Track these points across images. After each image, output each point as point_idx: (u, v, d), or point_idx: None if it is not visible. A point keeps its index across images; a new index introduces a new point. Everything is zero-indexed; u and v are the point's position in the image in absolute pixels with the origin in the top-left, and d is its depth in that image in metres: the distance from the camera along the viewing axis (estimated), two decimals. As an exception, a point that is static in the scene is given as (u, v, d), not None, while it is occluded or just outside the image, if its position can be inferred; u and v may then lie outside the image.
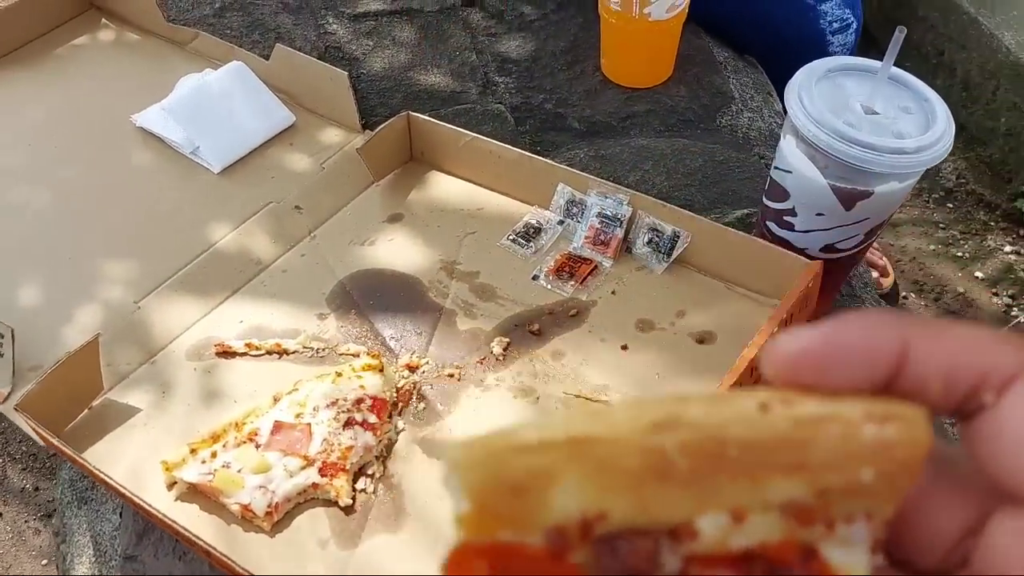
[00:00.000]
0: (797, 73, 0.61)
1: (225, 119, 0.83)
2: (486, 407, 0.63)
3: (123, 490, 0.55)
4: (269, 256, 0.74)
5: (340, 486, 0.57)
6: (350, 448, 0.58)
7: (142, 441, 0.62)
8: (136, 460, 0.60)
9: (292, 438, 0.59)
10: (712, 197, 0.80)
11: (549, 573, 0.19)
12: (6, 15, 0.95)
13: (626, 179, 0.81)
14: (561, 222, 0.75)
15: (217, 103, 0.84)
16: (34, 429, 0.59)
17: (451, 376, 0.65)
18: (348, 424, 0.60)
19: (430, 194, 0.79)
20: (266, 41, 0.96)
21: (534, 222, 0.75)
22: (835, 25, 0.93)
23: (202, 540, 0.52)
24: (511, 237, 0.74)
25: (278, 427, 0.59)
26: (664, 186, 0.80)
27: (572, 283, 0.70)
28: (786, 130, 0.63)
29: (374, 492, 0.58)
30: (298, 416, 0.60)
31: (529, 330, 0.67)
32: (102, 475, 0.56)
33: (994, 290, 1.59)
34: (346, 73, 0.82)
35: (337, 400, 0.61)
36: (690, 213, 0.70)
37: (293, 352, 0.67)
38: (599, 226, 0.72)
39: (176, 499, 0.58)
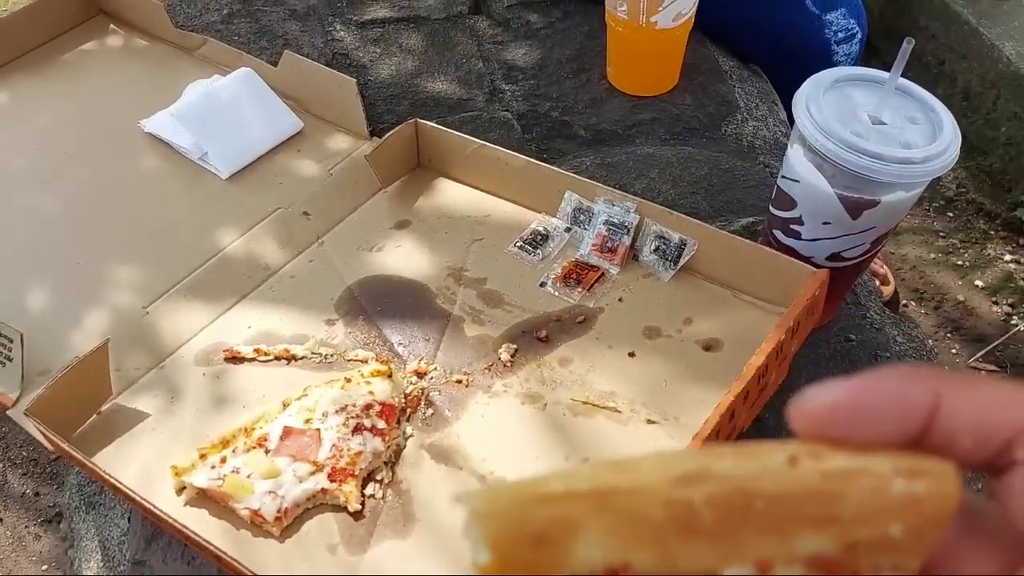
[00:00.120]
0: (805, 83, 0.62)
1: (233, 125, 0.83)
2: (494, 413, 0.63)
3: (132, 495, 0.55)
4: (277, 262, 0.75)
5: (349, 491, 0.57)
6: (359, 454, 0.59)
7: (151, 446, 0.62)
8: (145, 465, 0.60)
9: (301, 443, 0.59)
10: (718, 205, 0.80)
11: None
12: (14, 21, 0.95)
13: (632, 187, 0.81)
14: (568, 229, 0.75)
15: (225, 109, 0.84)
16: (43, 433, 0.59)
17: (459, 382, 0.65)
18: (357, 430, 0.60)
19: (438, 201, 0.80)
20: (274, 48, 0.96)
21: (541, 229, 0.76)
22: (840, 35, 0.94)
23: (212, 545, 0.52)
24: (518, 244, 0.75)
25: (287, 432, 0.60)
26: (670, 194, 0.81)
27: (579, 290, 0.71)
28: (793, 139, 0.63)
29: (383, 498, 0.59)
30: (307, 422, 0.60)
31: (537, 337, 0.68)
32: (112, 480, 0.56)
33: (994, 299, 1.60)
34: (354, 80, 0.82)
35: (346, 406, 0.61)
36: (697, 221, 0.70)
37: (301, 358, 0.67)
38: (606, 233, 0.72)
39: (185, 504, 0.58)
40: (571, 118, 0.90)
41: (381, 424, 0.61)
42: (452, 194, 0.80)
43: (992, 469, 0.20)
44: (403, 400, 0.64)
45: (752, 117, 0.91)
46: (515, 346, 0.67)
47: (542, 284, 0.72)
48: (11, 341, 0.64)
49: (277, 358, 0.67)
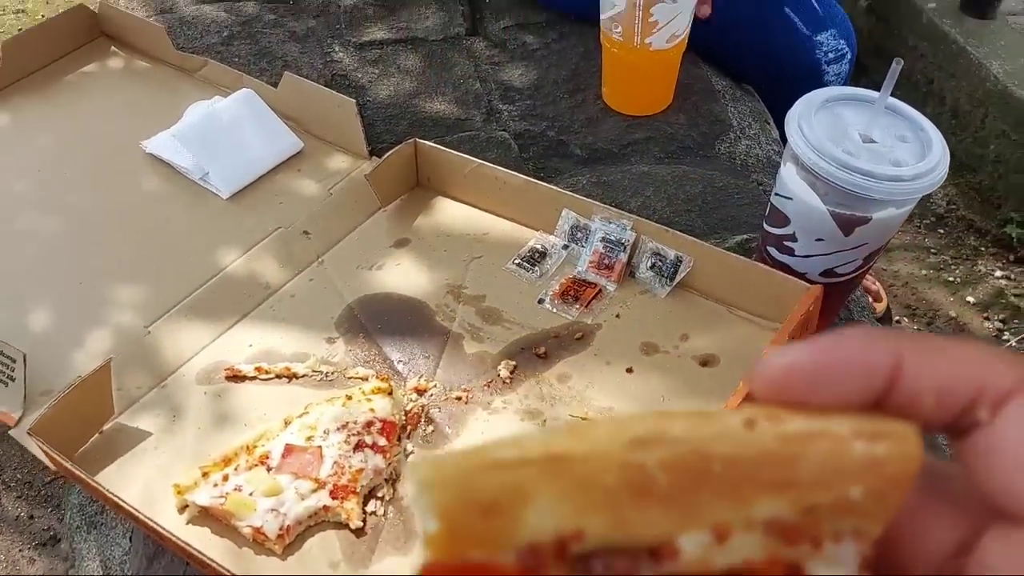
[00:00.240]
0: (797, 103, 0.63)
1: (234, 145, 0.84)
2: (493, 430, 0.64)
3: (135, 513, 0.55)
4: (278, 281, 0.75)
5: (351, 508, 0.58)
6: (360, 471, 0.59)
7: (152, 465, 0.62)
8: (147, 484, 0.61)
9: (303, 461, 0.60)
10: (712, 223, 0.81)
11: None
12: (17, 43, 0.96)
13: (627, 205, 0.82)
14: (566, 247, 0.76)
15: (226, 130, 0.85)
16: (46, 453, 0.59)
17: (459, 399, 0.66)
18: (358, 447, 0.60)
19: (436, 219, 0.81)
20: (273, 69, 0.97)
21: (539, 247, 0.77)
22: (831, 55, 0.95)
23: (214, 562, 0.52)
24: (517, 261, 0.75)
25: (289, 450, 0.60)
26: (665, 212, 0.82)
27: (577, 307, 0.72)
28: (786, 158, 0.64)
29: (384, 514, 0.59)
30: (309, 439, 0.61)
31: (535, 353, 0.69)
32: (114, 498, 0.56)
33: (985, 314, 1.61)
34: (354, 100, 0.83)
35: (347, 423, 0.61)
36: (692, 238, 0.71)
37: (302, 376, 0.68)
38: (603, 251, 0.73)
39: (187, 522, 0.58)
40: (567, 137, 0.92)
41: (382, 441, 0.61)
42: (451, 213, 0.81)
43: (955, 431, 0.20)
44: (403, 417, 0.64)
45: (745, 136, 0.93)
46: (514, 363, 0.68)
47: (540, 301, 0.73)
48: (14, 361, 0.64)
49: (278, 376, 0.68)
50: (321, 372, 0.68)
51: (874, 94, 0.62)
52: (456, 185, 0.81)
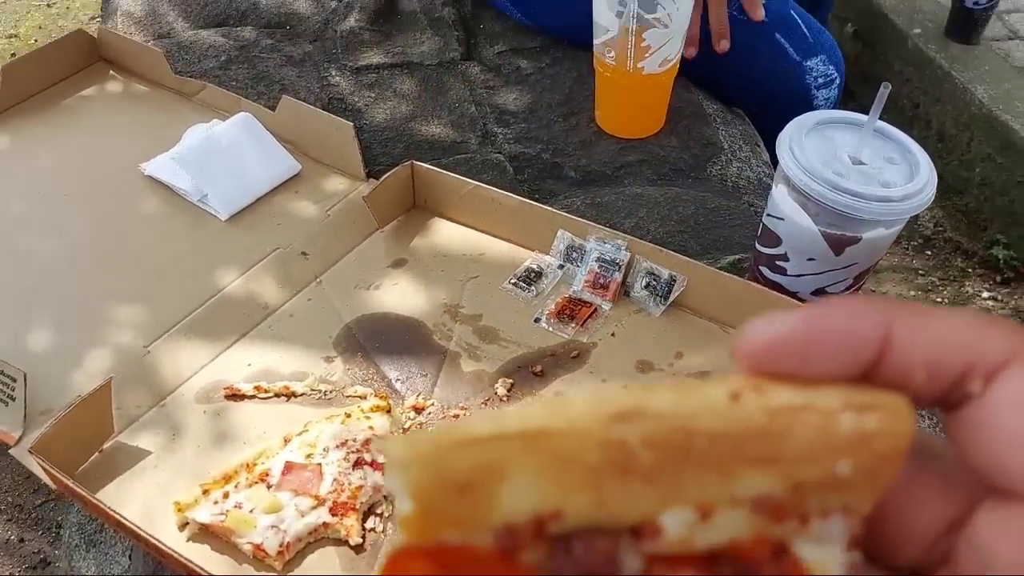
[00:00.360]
0: (788, 126, 0.65)
1: (233, 168, 0.85)
2: (492, 447, 0.64)
3: (136, 529, 0.55)
4: (276, 301, 0.76)
5: (350, 525, 0.58)
6: (360, 488, 0.60)
7: (152, 483, 0.63)
8: (146, 502, 0.61)
9: (303, 478, 0.60)
10: (705, 243, 0.82)
11: (498, 574, 0.18)
12: (16, 66, 0.97)
13: (621, 226, 0.83)
14: (561, 266, 0.77)
15: (225, 152, 0.86)
16: (47, 471, 0.59)
17: (456, 417, 0.67)
18: (358, 464, 0.61)
19: (433, 240, 0.82)
20: (271, 92, 0.99)
21: (535, 266, 0.78)
22: (820, 80, 0.97)
23: (216, 579, 0.53)
24: (513, 281, 0.76)
25: (289, 467, 0.61)
26: (658, 232, 0.83)
27: (573, 325, 0.73)
28: (778, 179, 0.66)
29: (384, 531, 0.59)
30: (308, 457, 0.61)
31: (532, 371, 0.69)
32: (115, 515, 0.56)
33: (975, 335, 1.63)
34: (351, 124, 0.85)
35: (347, 441, 0.62)
36: (686, 258, 0.72)
37: (301, 394, 0.69)
38: (598, 270, 0.74)
39: (188, 540, 0.59)
40: (561, 160, 0.93)
41: (381, 459, 0.62)
42: (447, 233, 0.82)
43: (946, 404, 0.19)
44: (402, 435, 0.65)
45: (736, 158, 0.94)
46: (511, 381, 0.69)
47: (536, 320, 0.73)
48: (14, 380, 0.65)
49: (277, 395, 0.68)
50: (320, 391, 0.69)
51: (863, 117, 0.64)
52: (452, 206, 0.82)
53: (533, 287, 0.76)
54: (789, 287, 0.69)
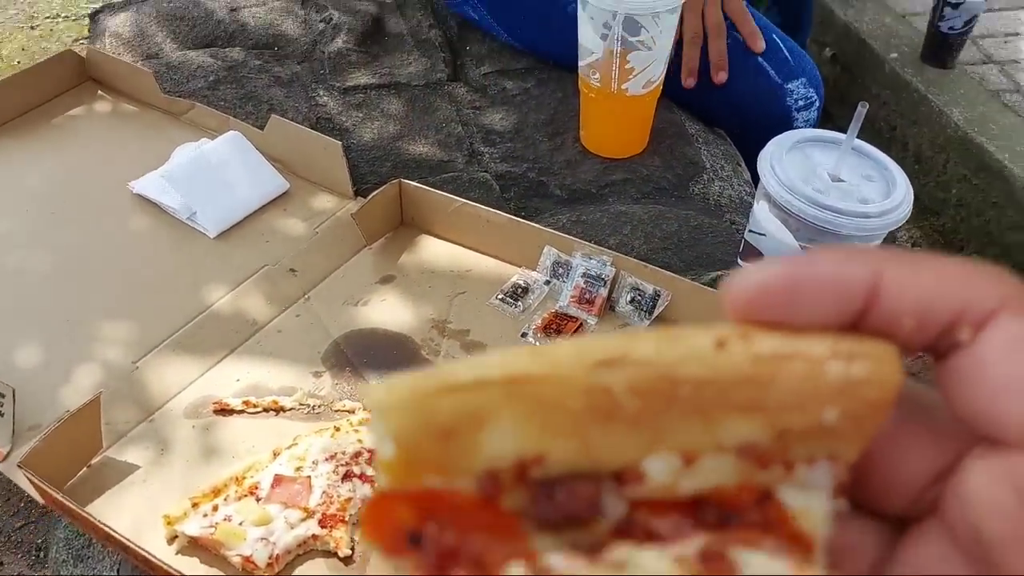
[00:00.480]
0: (768, 144, 0.66)
1: (222, 186, 0.86)
2: (480, 460, 0.65)
3: (126, 542, 0.55)
4: (264, 317, 0.77)
5: (340, 537, 0.58)
6: (349, 500, 0.60)
7: (141, 497, 0.63)
8: (135, 516, 0.61)
9: (292, 491, 0.60)
10: (688, 259, 0.84)
11: (479, 520, 0.18)
12: (5, 86, 0.98)
13: (606, 242, 0.85)
14: (548, 282, 0.78)
15: (214, 170, 0.87)
16: (36, 485, 0.59)
17: (445, 431, 0.67)
18: (347, 477, 0.61)
19: (421, 257, 0.83)
20: (259, 112, 1.00)
21: (522, 282, 0.79)
22: (800, 103, 1.00)
23: (206, 592, 0.53)
24: (500, 297, 0.77)
25: (278, 480, 0.61)
26: (642, 249, 0.84)
27: (559, 340, 0.73)
28: (759, 196, 0.67)
29: (373, 544, 0.60)
30: (298, 470, 0.62)
31: (519, 386, 0.70)
32: (105, 528, 0.56)
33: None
34: (339, 143, 0.86)
35: (336, 454, 0.62)
36: (670, 274, 0.74)
37: (290, 409, 0.69)
38: (584, 286, 0.75)
39: (177, 553, 0.59)
40: (547, 178, 0.95)
41: (370, 471, 0.62)
42: (435, 250, 0.83)
43: (935, 352, 0.19)
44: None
45: (718, 177, 0.96)
46: (499, 395, 0.69)
47: (523, 335, 0.74)
48: (3, 396, 0.65)
49: (265, 410, 0.69)
50: (308, 405, 0.69)
51: (841, 136, 0.66)
52: (440, 223, 0.84)
53: (520, 302, 0.77)
54: (771, 302, 0.70)
